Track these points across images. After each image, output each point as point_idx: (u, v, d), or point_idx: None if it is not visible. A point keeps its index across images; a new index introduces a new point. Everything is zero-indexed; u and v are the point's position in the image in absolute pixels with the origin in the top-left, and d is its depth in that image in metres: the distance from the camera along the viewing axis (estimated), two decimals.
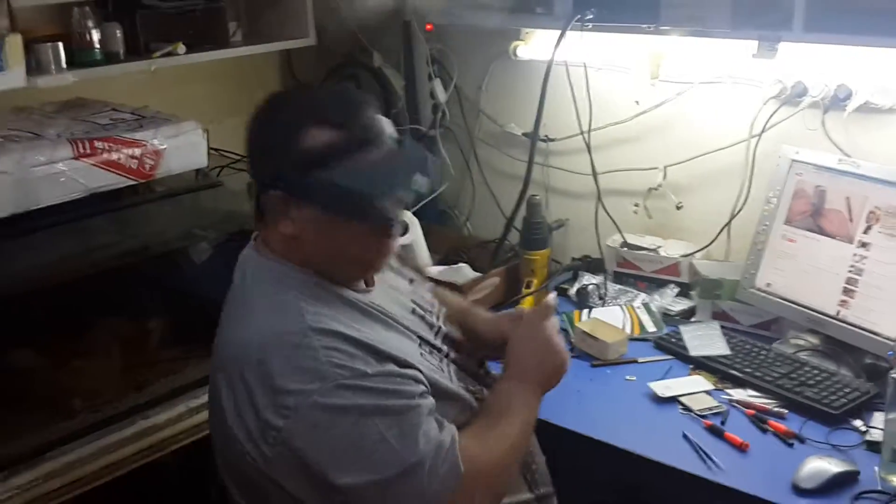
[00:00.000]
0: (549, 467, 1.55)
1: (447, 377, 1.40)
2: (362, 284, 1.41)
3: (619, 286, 2.27)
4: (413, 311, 1.48)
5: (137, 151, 1.77)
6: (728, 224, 2.18)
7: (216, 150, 2.09)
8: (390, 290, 1.49)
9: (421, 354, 1.38)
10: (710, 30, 1.91)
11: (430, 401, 1.29)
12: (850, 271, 1.87)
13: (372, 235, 1.34)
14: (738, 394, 1.80)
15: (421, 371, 1.31)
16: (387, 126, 1.34)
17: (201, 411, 1.85)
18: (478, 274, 2.28)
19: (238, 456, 1.25)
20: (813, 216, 1.94)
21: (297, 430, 1.19)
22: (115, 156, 1.74)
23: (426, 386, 1.30)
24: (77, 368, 1.91)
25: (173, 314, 2.07)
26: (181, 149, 1.86)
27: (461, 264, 2.32)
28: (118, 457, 1.79)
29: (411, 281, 1.59)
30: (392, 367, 1.26)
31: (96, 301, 1.90)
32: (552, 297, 1.51)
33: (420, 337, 1.42)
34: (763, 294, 2.00)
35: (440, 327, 1.52)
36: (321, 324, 1.25)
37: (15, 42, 1.75)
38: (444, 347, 1.47)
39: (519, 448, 1.38)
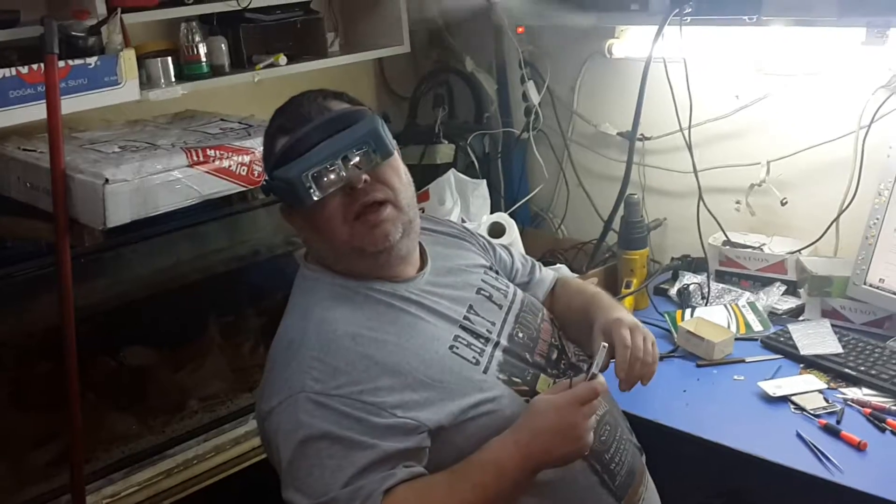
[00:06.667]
0: (652, 470, 1.51)
1: (479, 369, 1.31)
2: (408, 271, 1.39)
3: (721, 285, 2.22)
4: (478, 291, 1.45)
5: (246, 158, 1.83)
6: (837, 219, 2.11)
7: None
8: (454, 269, 1.45)
9: (451, 348, 1.31)
10: (816, 19, 1.86)
11: (396, 446, 1.19)
12: None
13: (330, 216, 1.30)
14: (853, 393, 1.75)
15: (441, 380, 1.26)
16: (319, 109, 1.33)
17: None
18: (575, 275, 2.27)
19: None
20: None
21: (267, 433, 1.26)
22: (226, 163, 1.80)
23: (414, 422, 1.21)
24: (193, 370, 1.98)
25: (280, 317, 2.11)
26: None
27: (559, 265, 2.32)
28: (231, 455, 1.86)
29: (490, 267, 1.54)
30: (373, 393, 1.21)
31: (208, 304, 1.97)
32: (602, 381, 1.26)
33: (463, 328, 1.36)
34: (876, 290, 1.93)
35: (509, 310, 1.45)
36: (321, 332, 1.27)
37: (129, 57, 1.83)
38: (495, 335, 1.38)
39: None
